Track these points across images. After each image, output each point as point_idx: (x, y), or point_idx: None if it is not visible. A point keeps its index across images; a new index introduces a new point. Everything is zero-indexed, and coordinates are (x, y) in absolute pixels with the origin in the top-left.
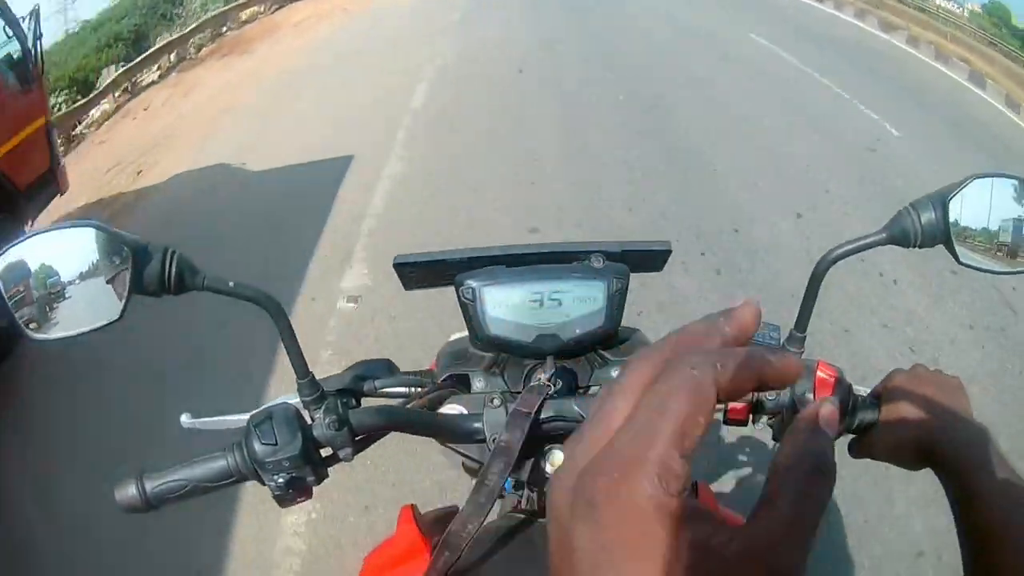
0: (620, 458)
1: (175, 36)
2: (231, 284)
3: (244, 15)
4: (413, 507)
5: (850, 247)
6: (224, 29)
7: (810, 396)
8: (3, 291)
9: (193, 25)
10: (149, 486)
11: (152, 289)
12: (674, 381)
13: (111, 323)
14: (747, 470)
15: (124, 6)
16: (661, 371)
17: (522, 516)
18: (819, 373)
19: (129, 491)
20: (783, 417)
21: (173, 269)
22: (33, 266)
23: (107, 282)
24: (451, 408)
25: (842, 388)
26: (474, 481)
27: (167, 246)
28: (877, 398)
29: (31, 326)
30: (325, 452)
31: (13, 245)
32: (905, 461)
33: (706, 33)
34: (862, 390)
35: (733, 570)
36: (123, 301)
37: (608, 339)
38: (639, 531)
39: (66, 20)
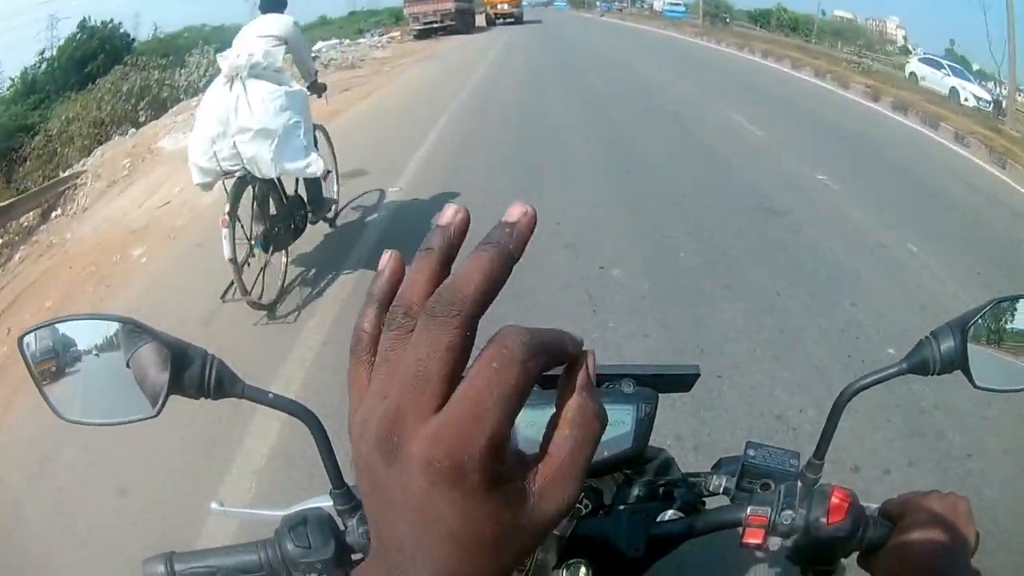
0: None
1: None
2: (270, 396)
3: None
4: None
5: (871, 379)
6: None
7: (824, 520)
8: (32, 364)
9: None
10: (178, 567)
11: (190, 391)
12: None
13: (146, 419)
14: None
15: None
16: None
17: None
18: (833, 498)
19: (158, 568)
20: (798, 539)
21: (213, 375)
22: (65, 348)
23: (143, 379)
24: None
25: (855, 511)
26: None
27: (206, 351)
28: (888, 518)
29: (60, 406)
30: (356, 556)
31: (45, 325)
32: None
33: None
34: (872, 506)
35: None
36: (160, 400)
37: (634, 460)
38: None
39: None
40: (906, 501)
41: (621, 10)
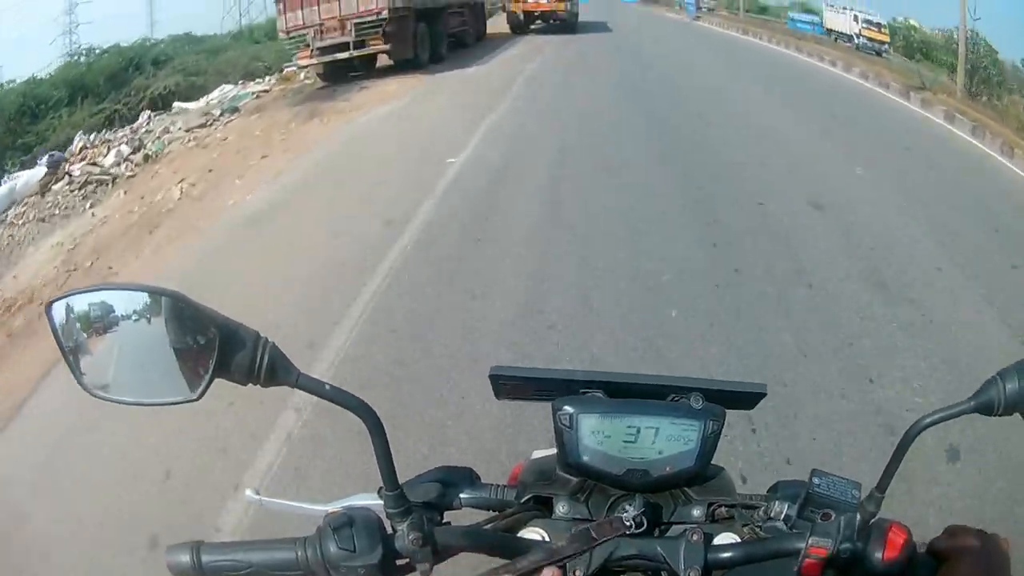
0: None
1: None
2: (327, 387)
3: None
4: None
5: (939, 416)
6: None
7: (880, 555)
8: (60, 332)
9: None
10: (205, 558)
11: (238, 376)
12: None
13: (186, 402)
14: None
15: None
16: None
17: None
18: (891, 534)
19: (182, 557)
20: (851, 572)
21: (265, 360)
22: (99, 319)
23: (185, 359)
24: (533, 532)
25: (909, 548)
26: None
27: (258, 333)
28: (934, 556)
29: (89, 380)
30: (401, 561)
31: (79, 292)
32: None
33: None
34: (920, 543)
35: None
36: (203, 383)
37: (695, 478)
38: None
39: None
40: (952, 539)
41: (712, 10)
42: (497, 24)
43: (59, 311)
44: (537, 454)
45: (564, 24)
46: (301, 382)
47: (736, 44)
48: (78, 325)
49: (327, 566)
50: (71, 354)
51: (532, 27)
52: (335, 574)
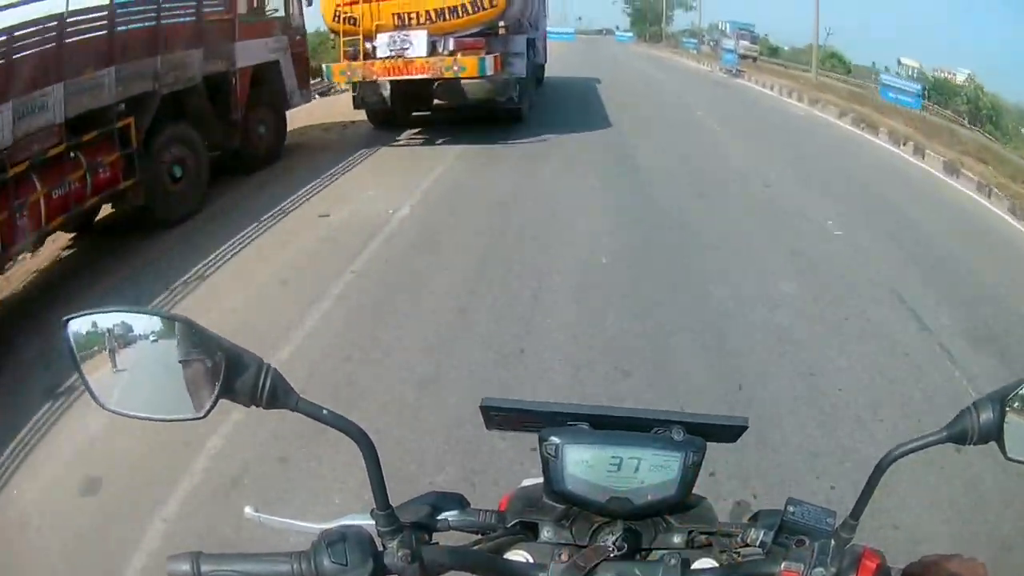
0: None
1: None
2: (324, 412)
3: None
4: None
5: (912, 446)
6: None
7: None
8: (75, 348)
9: None
10: (205, 568)
11: (241, 398)
12: None
13: (192, 419)
14: None
15: None
16: None
17: None
18: (864, 560)
19: (183, 567)
20: None
21: (267, 384)
22: (112, 338)
23: (191, 378)
24: (518, 555)
25: (883, 572)
26: None
27: (262, 360)
28: None
29: (100, 394)
30: None
31: (95, 312)
32: None
33: None
34: (896, 568)
35: None
36: (209, 403)
37: (676, 506)
38: None
39: None
40: (928, 565)
41: (755, 59)
42: (335, 106)
43: (75, 327)
44: (526, 482)
45: (490, 110)
46: (300, 406)
47: (852, 148)
48: (93, 342)
49: None
50: (85, 369)
51: (422, 116)
52: None
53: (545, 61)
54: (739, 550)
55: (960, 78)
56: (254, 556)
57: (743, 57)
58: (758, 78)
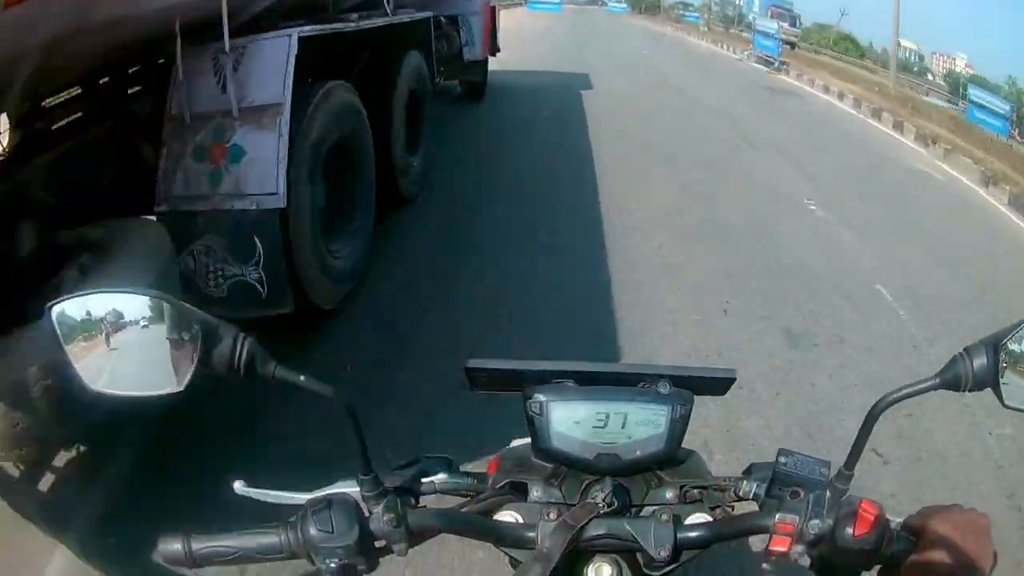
0: None
1: None
2: (302, 378)
3: None
4: None
5: (903, 393)
6: None
7: (850, 531)
8: (60, 334)
9: None
10: (196, 547)
11: (219, 370)
12: None
13: (172, 393)
14: None
15: None
16: None
17: None
18: (861, 510)
19: (174, 547)
20: (823, 549)
21: (243, 353)
22: (96, 320)
23: (171, 353)
24: (507, 515)
25: (880, 524)
26: None
27: (238, 330)
28: (911, 533)
29: (88, 376)
30: (379, 543)
31: (77, 296)
32: None
33: None
34: (896, 520)
35: None
36: (187, 376)
37: (666, 461)
38: None
39: None
40: (928, 516)
41: (793, 46)
42: None
43: (57, 313)
44: (515, 443)
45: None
46: (278, 373)
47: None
48: (76, 326)
49: (308, 548)
50: (71, 355)
51: None
52: (316, 555)
53: (487, 54)
54: (732, 504)
55: (960, 63)
56: (243, 531)
57: (791, 45)
58: (809, 75)
